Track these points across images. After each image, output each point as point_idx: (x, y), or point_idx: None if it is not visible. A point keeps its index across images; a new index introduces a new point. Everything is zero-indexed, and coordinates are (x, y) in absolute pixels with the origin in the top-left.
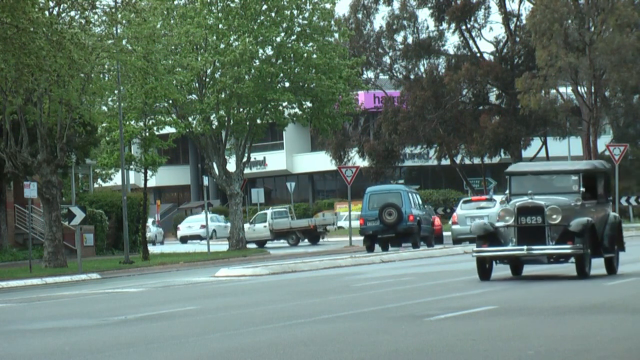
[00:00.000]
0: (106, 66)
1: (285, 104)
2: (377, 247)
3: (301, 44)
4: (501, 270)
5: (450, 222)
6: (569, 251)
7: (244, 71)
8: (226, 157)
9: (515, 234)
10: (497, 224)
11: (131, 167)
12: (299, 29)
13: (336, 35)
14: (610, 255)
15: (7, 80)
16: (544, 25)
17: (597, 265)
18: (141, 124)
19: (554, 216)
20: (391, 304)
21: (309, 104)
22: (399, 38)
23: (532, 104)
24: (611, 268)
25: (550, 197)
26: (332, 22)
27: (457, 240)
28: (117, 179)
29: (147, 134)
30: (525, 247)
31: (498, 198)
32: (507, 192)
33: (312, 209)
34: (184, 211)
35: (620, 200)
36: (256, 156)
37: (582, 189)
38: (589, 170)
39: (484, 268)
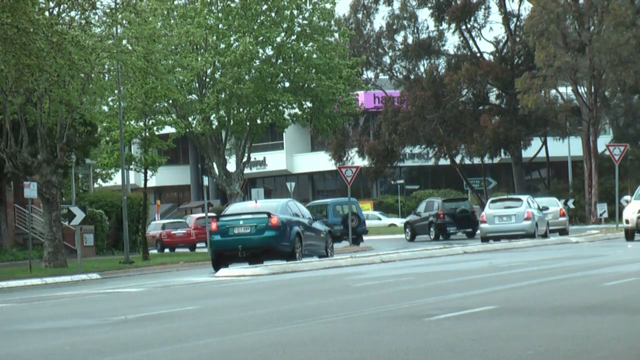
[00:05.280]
0: (106, 66)
1: (285, 104)
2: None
3: (301, 44)
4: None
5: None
6: None
7: (244, 71)
8: (226, 157)
9: None
10: None
11: (131, 167)
12: (299, 29)
13: (336, 35)
14: None
15: (8, 80)
16: (541, 26)
17: None
18: (141, 124)
19: None
20: (391, 304)
21: (309, 104)
22: (399, 38)
23: (529, 104)
24: None
25: None
26: (332, 22)
27: (485, 238)
28: (117, 179)
29: (147, 134)
30: None
31: (524, 198)
32: None
33: None
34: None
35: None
36: (256, 156)
37: None
38: None
39: None
